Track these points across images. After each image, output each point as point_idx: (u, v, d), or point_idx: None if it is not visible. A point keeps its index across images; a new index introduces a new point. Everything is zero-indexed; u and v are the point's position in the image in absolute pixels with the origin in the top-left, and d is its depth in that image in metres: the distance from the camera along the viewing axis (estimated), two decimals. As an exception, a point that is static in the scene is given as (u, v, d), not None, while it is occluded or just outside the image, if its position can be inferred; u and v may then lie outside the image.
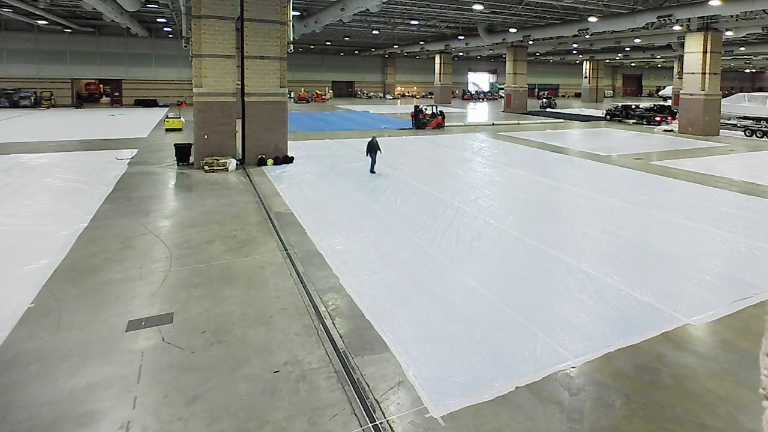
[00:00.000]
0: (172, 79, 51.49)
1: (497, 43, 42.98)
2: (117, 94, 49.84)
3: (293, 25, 20.72)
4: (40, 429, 4.43)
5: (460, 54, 63.20)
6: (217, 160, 16.57)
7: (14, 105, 41.22)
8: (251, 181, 15.12)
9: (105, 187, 13.75)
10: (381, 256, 8.74)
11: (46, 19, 37.76)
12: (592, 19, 29.91)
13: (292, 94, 56.26)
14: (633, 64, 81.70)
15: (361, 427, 4.53)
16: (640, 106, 39.75)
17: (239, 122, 17.76)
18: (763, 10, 25.02)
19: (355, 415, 4.67)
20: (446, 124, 31.72)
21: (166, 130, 27.54)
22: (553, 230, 10.42)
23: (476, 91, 74.75)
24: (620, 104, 40.83)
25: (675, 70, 54.87)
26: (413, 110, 31.29)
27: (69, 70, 47.41)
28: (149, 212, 11.41)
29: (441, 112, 31.81)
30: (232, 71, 17.36)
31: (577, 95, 79.23)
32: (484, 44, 42.66)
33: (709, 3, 23.47)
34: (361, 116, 39.74)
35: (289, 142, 18.76)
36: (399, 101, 63.66)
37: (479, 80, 79.95)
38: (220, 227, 10.37)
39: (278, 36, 17.72)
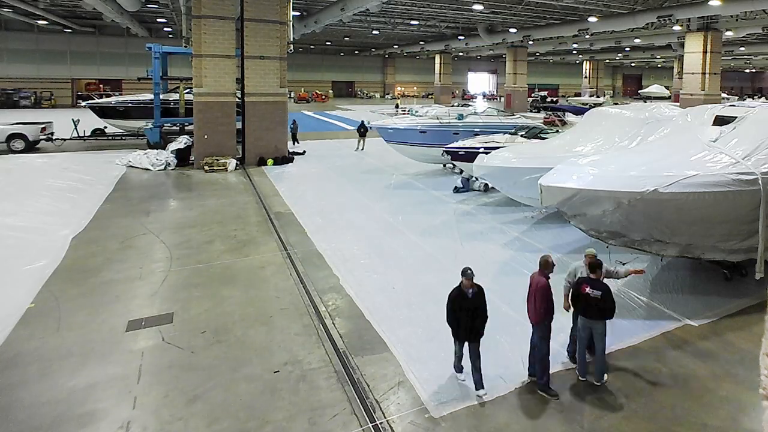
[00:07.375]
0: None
1: (497, 43, 42.99)
2: (117, 93, 49.78)
3: (293, 25, 20.71)
4: (41, 429, 4.43)
5: (460, 54, 63.16)
6: (217, 160, 16.57)
7: (14, 105, 41.15)
8: (251, 181, 15.11)
9: (105, 187, 13.73)
10: (381, 256, 8.74)
11: (46, 19, 37.73)
12: (592, 19, 29.89)
13: (292, 94, 56.21)
14: (633, 64, 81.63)
15: (361, 427, 4.53)
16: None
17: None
18: (763, 10, 25.00)
19: (355, 415, 4.67)
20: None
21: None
22: (554, 230, 10.42)
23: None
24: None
25: (675, 70, 54.82)
26: None
27: (69, 70, 47.37)
28: (149, 212, 11.40)
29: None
30: (232, 71, 17.36)
31: (577, 95, 79.18)
32: (484, 44, 42.66)
33: (709, 3, 23.44)
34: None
35: (289, 142, 18.75)
36: (399, 101, 63.59)
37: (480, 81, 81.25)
38: (220, 227, 10.36)
39: (278, 36, 17.72)
